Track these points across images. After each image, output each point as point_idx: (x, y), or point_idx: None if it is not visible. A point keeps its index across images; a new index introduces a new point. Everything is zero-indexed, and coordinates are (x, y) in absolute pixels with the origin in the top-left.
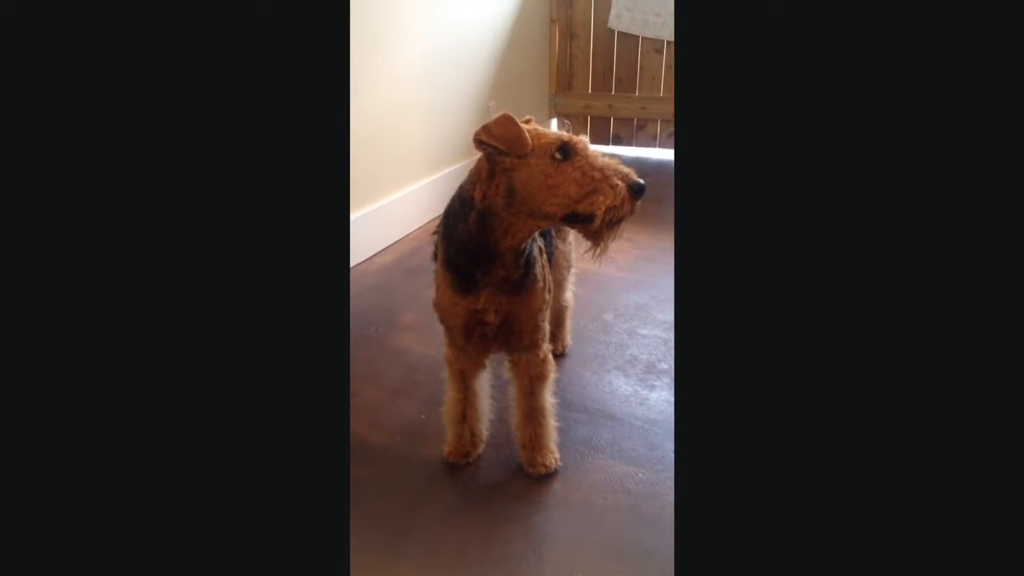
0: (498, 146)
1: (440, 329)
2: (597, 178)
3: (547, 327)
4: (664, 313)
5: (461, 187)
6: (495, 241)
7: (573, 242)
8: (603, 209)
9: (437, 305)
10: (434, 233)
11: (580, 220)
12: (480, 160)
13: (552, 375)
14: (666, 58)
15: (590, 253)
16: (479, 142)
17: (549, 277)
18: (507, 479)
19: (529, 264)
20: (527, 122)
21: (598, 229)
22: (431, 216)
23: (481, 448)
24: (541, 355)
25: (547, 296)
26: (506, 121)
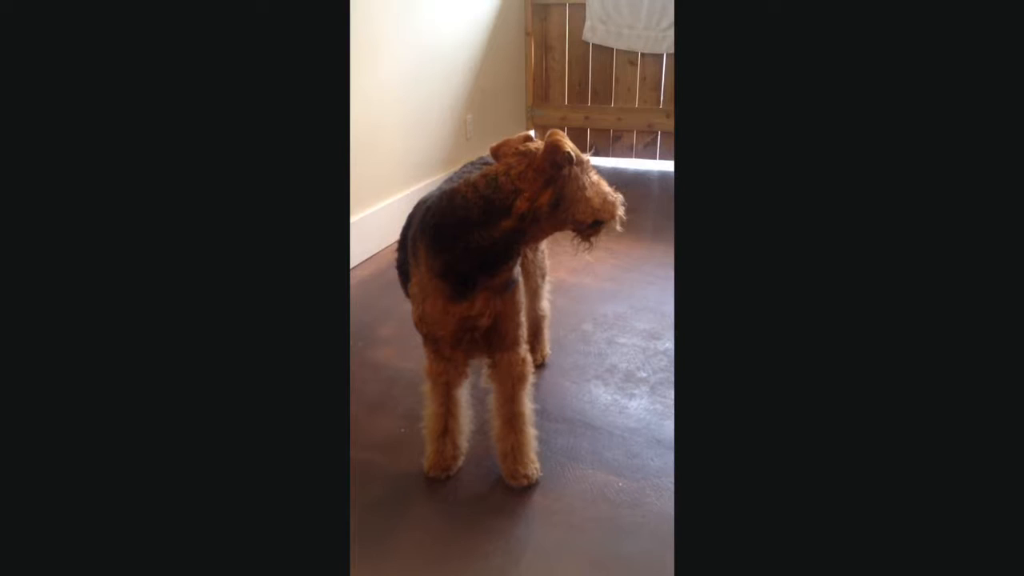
0: (575, 156)
1: (418, 342)
2: (606, 189)
3: (524, 329)
4: (642, 322)
5: (478, 197)
6: (520, 246)
7: (546, 250)
8: (617, 216)
9: (422, 319)
10: (398, 250)
11: (592, 225)
12: (524, 170)
13: (530, 377)
14: (640, 69)
15: (581, 249)
16: (556, 152)
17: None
18: (487, 492)
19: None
20: (528, 140)
21: (597, 232)
22: None
23: (461, 461)
24: (521, 354)
25: (522, 296)
26: (563, 136)
